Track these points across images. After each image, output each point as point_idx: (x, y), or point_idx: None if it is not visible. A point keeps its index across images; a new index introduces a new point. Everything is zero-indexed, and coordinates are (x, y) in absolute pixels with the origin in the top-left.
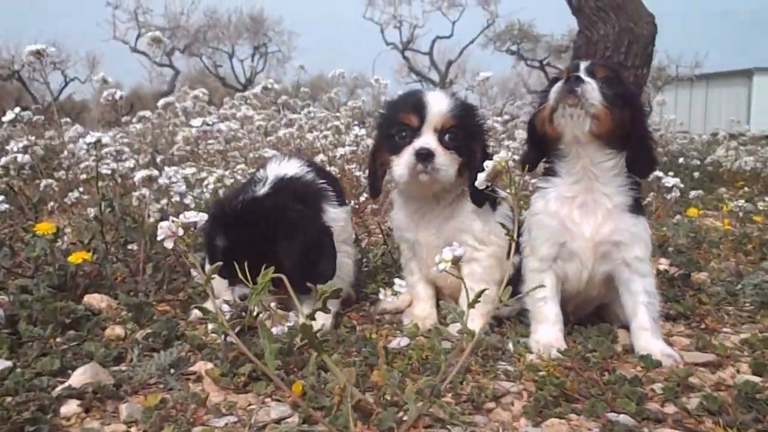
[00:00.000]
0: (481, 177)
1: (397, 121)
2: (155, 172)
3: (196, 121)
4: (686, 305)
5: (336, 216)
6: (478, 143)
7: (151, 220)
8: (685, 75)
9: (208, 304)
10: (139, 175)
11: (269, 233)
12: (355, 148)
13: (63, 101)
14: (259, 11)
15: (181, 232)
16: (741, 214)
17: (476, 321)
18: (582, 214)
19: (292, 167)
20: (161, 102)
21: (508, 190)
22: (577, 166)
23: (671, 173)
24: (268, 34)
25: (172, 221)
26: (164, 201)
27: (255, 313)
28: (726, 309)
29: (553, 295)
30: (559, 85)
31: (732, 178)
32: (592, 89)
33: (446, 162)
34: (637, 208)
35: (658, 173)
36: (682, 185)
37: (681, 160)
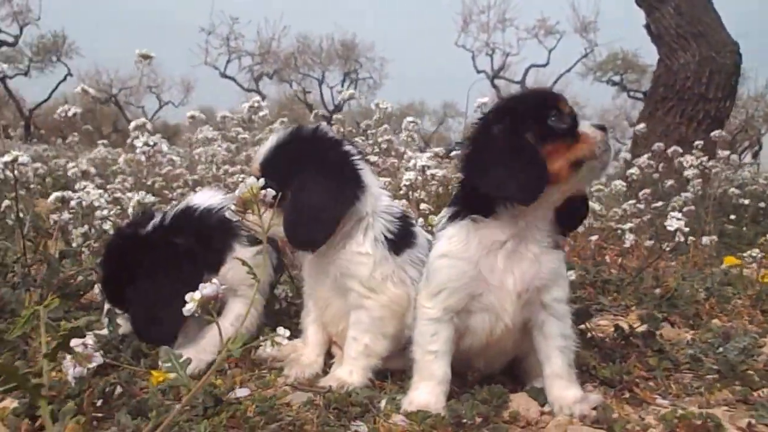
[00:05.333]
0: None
1: None
2: (68, 193)
3: (138, 141)
4: (614, 369)
5: (242, 256)
6: None
7: (74, 245)
8: None
9: None
10: (52, 197)
11: (123, 274)
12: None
13: (157, 124)
14: (351, 37)
15: None
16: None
17: (355, 375)
18: (507, 264)
19: (214, 199)
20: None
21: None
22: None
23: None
24: (360, 60)
25: None
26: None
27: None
28: (680, 376)
29: (445, 351)
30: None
31: None
32: None
33: None
34: (556, 242)
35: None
36: (686, 229)
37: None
